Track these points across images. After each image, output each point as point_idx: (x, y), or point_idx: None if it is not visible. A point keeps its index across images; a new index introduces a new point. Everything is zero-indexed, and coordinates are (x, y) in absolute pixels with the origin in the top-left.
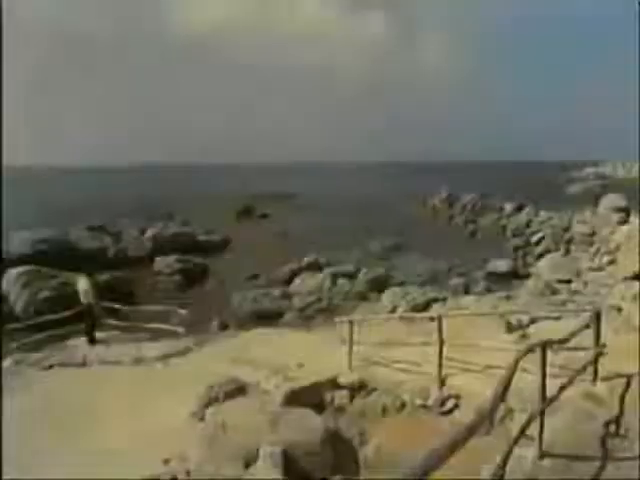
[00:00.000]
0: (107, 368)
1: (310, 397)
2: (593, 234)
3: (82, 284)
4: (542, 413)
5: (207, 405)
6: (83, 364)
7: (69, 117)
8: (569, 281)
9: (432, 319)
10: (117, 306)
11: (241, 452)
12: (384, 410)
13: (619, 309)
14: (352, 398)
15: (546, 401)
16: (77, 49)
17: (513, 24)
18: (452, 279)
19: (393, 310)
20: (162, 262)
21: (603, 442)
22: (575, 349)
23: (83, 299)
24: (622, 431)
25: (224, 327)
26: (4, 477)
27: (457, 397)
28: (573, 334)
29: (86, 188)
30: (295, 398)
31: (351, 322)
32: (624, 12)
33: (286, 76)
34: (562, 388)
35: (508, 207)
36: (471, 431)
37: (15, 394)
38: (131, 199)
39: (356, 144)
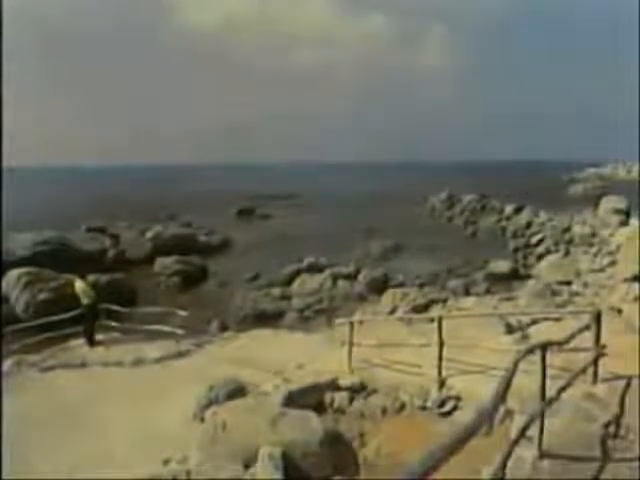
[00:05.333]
0: (107, 369)
1: (310, 398)
2: (593, 235)
3: (79, 285)
4: (542, 414)
5: (207, 406)
6: (83, 365)
7: (69, 117)
8: (569, 282)
9: (432, 320)
10: (117, 308)
11: (241, 453)
12: (384, 411)
13: (619, 310)
14: (352, 399)
15: (546, 402)
16: (77, 48)
17: (513, 23)
18: (452, 280)
19: (393, 311)
20: (162, 263)
21: (603, 443)
22: (575, 350)
23: (83, 299)
24: (622, 432)
25: (224, 328)
26: (4, 477)
27: (457, 398)
28: (573, 335)
29: (86, 188)
30: (295, 399)
31: (351, 323)
32: (625, 11)
33: (286, 76)
34: (562, 389)
35: (508, 208)
36: (471, 432)
37: (15, 395)
38: (131, 200)
39: (356, 144)
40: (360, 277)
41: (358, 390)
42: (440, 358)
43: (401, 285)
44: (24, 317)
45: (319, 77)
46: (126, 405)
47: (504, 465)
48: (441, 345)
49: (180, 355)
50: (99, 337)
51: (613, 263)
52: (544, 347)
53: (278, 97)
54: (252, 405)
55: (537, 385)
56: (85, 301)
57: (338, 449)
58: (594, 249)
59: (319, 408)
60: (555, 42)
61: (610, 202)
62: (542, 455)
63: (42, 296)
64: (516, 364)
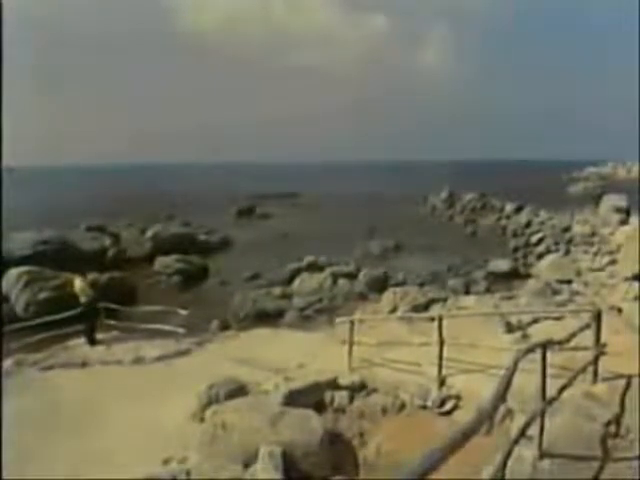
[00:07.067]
0: (107, 368)
1: (310, 397)
2: (593, 234)
3: (78, 284)
4: (542, 413)
5: (207, 405)
6: (83, 364)
7: (69, 117)
8: (570, 281)
9: (432, 319)
10: (117, 306)
11: (241, 452)
12: (384, 410)
13: (620, 309)
14: (352, 398)
15: (546, 401)
16: (78, 48)
17: (513, 23)
18: (452, 279)
19: (393, 310)
20: (162, 262)
21: (603, 442)
22: (575, 349)
23: (82, 298)
24: (622, 431)
25: (224, 327)
26: (4, 477)
27: (457, 397)
28: (573, 334)
29: (86, 188)
30: (295, 398)
31: (351, 322)
32: (625, 12)
33: (286, 76)
34: (562, 388)
35: (508, 207)
36: (471, 431)
37: (15, 395)
38: (131, 199)
39: (356, 144)
40: (360, 276)
41: (358, 389)
42: (440, 357)
43: (401, 284)
44: (24, 316)
45: (319, 77)
46: (126, 404)
47: (504, 464)
48: (441, 344)
49: (180, 354)
50: (100, 336)
51: (613, 262)
52: (544, 346)
53: (278, 97)
54: (252, 404)
55: (537, 384)
56: (83, 299)
57: (338, 448)
58: (594, 248)
59: (319, 407)
60: (555, 41)
61: (610, 200)
62: (542, 454)
63: (42, 295)
64: (516, 363)
